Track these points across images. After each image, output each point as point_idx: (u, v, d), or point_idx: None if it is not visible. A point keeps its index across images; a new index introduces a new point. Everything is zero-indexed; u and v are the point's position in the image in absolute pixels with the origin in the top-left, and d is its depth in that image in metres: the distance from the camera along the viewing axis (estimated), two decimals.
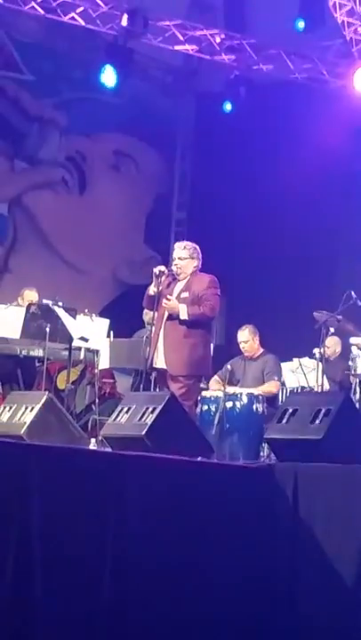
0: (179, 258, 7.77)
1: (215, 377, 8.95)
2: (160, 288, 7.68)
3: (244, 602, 5.19)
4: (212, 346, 8.23)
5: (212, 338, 8.21)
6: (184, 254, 7.77)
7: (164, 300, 7.61)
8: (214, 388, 8.75)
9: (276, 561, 5.29)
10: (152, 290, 7.72)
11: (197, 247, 7.88)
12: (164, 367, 7.61)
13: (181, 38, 12.29)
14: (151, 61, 13.72)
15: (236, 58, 12.41)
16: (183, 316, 7.57)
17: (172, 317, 7.64)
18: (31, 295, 9.70)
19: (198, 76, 14.01)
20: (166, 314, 7.67)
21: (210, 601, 5.08)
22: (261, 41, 12.35)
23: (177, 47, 12.42)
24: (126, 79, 12.21)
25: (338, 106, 11.87)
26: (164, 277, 7.73)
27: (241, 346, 9.25)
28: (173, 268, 7.78)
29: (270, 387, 8.94)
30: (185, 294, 7.68)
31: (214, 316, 7.89)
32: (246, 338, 9.24)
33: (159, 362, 7.65)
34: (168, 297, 7.65)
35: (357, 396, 8.66)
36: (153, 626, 4.85)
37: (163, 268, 7.79)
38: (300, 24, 11.17)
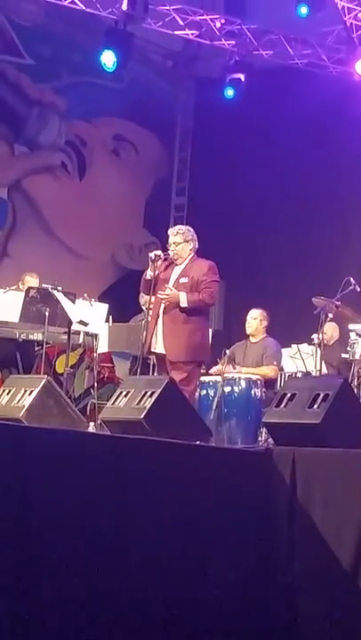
0: (174, 243, 7.79)
1: (219, 365, 8.96)
2: (157, 272, 7.71)
3: (242, 584, 5.22)
4: (210, 331, 8.25)
5: (210, 323, 8.24)
6: (178, 239, 7.79)
7: (162, 294, 7.62)
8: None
9: (275, 544, 5.31)
10: (148, 274, 7.74)
11: (191, 229, 7.92)
12: (163, 352, 7.64)
13: (181, 23, 12.27)
14: (151, 46, 13.69)
15: (236, 43, 12.40)
16: (183, 303, 7.59)
17: (171, 305, 7.65)
18: (32, 281, 9.70)
19: (198, 61, 13.99)
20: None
21: (208, 584, 5.11)
22: (261, 26, 12.34)
23: (177, 32, 12.41)
24: (126, 64, 12.17)
25: (338, 91, 11.86)
26: (160, 262, 7.75)
27: (247, 322, 9.29)
28: (170, 253, 7.80)
29: (268, 370, 8.96)
30: (184, 280, 7.70)
31: (214, 302, 7.92)
32: (256, 316, 9.29)
33: (158, 347, 7.68)
34: (166, 286, 7.65)
35: (356, 381, 8.67)
36: (151, 608, 4.88)
37: (159, 252, 7.81)
38: (303, 9, 11.13)
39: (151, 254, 7.78)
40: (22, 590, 4.42)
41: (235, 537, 5.23)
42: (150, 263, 7.74)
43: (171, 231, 7.95)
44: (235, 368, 8.91)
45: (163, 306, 7.68)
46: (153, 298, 7.76)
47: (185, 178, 14.47)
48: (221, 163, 13.42)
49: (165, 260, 7.80)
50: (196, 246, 7.84)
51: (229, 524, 5.20)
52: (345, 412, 5.55)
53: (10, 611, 4.36)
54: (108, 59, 11.95)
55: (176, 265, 7.81)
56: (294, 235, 12.64)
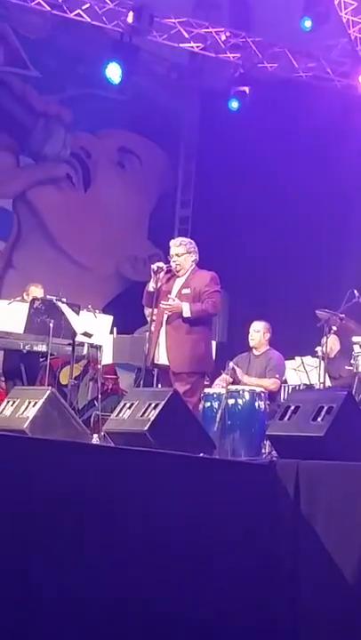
0: (176, 254, 7.80)
1: (222, 376, 8.97)
2: (159, 284, 7.72)
3: (245, 598, 5.21)
4: (212, 343, 8.25)
5: (214, 335, 8.24)
6: (180, 250, 7.81)
7: (165, 303, 7.63)
8: (219, 386, 8.78)
9: (278, 558, 5.30)
10: (151, 286, 7.75)
11: (192, 241, 7.95)
12: (167, 363, 7.64)
13: (187, 36, 12.31)
14: (156, 58, 13.74)
15: (240, 56, 12.44)
16: (186, 314, 7.60)
17: (174, 316, 7.67)
18: (37, 291, 9.72)
19: (203, 73, 14.03)
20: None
21: (211, 597, 5.10)
22: (266, 39, 12.38)
23: (182, 44, 12.46)
24: (131, 76, 12.23)
25: (342, 104, 11.89)
26: (162, 274, 7.76)
27: (250, 334, 9.29)
28: (172, 264, 7.81)
29: (269, 383, 8.95)
30: (186, 291, 7.71)
31: (216, 312, 7.91)
32: (259, 328, 9.29)
33: (161, 358, 7.69)
34: (169, 297, 7.66)
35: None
36: (152, 623, 4.87)
37: (161, 264, 7.83)
38: (307, 23, 11.16)
39: (153, 266, 7.80)
40: (24, 601, 4.42)
41: (237, 549, 5.22)
42: (152, 275, 7.75)
43: (172, 242, 7.96)
44: (237, 378, 8.92)
45: (166, 317, 7.69)
46: (156, 310, 7.78)
47: (189, 190, 14.50)
48: (226, 175, 13.44)
49: (167, 272, 7.82)
50: (197, 258, 7.86)
51: (232, 537, 5.19)
52: (349, 424, 5.55)
53: (14, 621, 4.37)
54: (114, 72, 11.99)
55: (178, 277, 7.82)
56: (298, 247, 12.65)
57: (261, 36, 12.37)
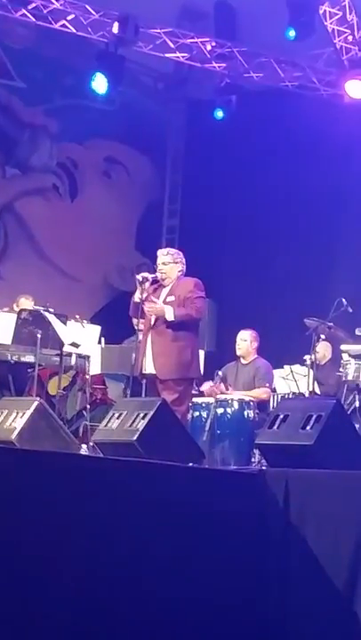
0: (163, 263, 7.82)
1: (209, 385, 8.96)
2: (145, 295, 7.71)
3: (236, 607, 5.20)
4: (201, 352, 8.25)
5: (200, 342, 8.23)
6: (167, 259, 7.83)
7: (148, 305, 7.62)
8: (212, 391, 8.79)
9: (268, 567, 5.29)
10: (137, 297, 7.74)
11: (180, 252, 7.96)
12: (154, 372, 7.62)
13: (172, 46, 12.31)
14: (142, 68, 13.75)
15: (226, 65, 12.44)
16: (170, 317, 7.60)
17: (159, 323, 7.66)
18: (27, 303, 9.70)
19: (189, 83, 14.04)
20: (153, 319, 7.69)
21: (201, 606, 5.08)
22: (252, 49, 12.38)
23: (168, 55, 12.45)
24: (117, 86, 12.23)
25: (328, 114, 11.91)
26: (148, 284, 7.76)
27: (237, 344, 9.29)
28: (158, 274, 7.81)
29: (260, 392, 8.95)
30: (171, 298, 7.73)
31: (200, 317, 7.91)
32: (246, 337, 9.29)
33: (148, 368, 7.67)
34: (152, 299, 7.66)
35: (348, 401, 8.68)
36: (144, 630, 4.86)
37: (146, 274, 7.84)
38: (291, 33, 11.18)
39: (138, 276, 7.79)
40: (17, 612, 4.40)
41: (227, 558, 5.21)
42: (138, 285, 7.74)
43: (160, 252, 7.98)
44: (227, 389, 8.92)
45: (152, 326, 7.68)
46: (142, 320, 7.77)
47: (177, 200, 14.50)
48: (213, 184, 13.45)
49: (153, 282, 7.82)
50: (184, 270, 7.87)
51: (222, 546, 5.18)
52: (338, 433, 5.56)
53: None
54: (100, 84, 12.00)
55: (164, 286, 7.82)
56: (286, 256, 12.66)
57: (247, 45, 12.38)
